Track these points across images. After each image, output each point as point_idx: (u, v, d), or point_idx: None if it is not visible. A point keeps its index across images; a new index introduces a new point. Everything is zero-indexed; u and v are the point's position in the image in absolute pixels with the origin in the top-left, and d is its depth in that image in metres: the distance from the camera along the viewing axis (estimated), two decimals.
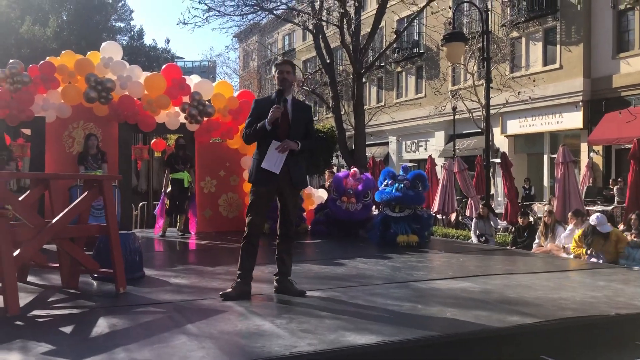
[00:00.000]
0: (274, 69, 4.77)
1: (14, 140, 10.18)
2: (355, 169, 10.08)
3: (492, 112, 14.38)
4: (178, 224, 10.12)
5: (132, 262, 5.33)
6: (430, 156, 16.93)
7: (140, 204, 12.96)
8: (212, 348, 3.14)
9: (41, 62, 9.05)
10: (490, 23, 15.11)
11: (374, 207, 10.91)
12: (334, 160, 20.59)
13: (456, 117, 22.09)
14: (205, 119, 9.84)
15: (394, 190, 8.40)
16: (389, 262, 6.64)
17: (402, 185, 8.41)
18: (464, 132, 23.46)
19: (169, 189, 9.68)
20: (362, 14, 15.38)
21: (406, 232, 8.23)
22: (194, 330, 3.51)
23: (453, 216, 14.14)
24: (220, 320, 3.77)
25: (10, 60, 8.88)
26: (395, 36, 16.30)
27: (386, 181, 8.72)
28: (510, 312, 4.04)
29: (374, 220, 8.84)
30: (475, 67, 20.23)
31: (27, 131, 9.67)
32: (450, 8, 21.00)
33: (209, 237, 9.50)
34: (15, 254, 4.04)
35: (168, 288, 5.04)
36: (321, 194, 11.08)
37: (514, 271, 6.15)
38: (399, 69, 28.77)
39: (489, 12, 14.11)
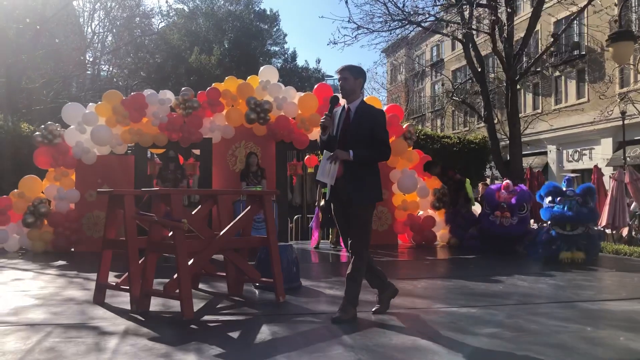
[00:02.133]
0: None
1: (186, 160, 11.24)
2: (508, 180, 9.60)
3: None
4: (330, 236, 10.41)
5: (290, 273, 5.62)
6: (596, 165, 15.56)
7: (295, 217, 13.55)
8: None
9: (208, 88, 9.93)
10: None
11: (532, 220, 10.30)
12: (487, 172, 19.82)
13: (626, 122, 20.10)
14: None
15: (565, 209, 7.81)
16: (551, 280, 6.22)
17: (574, 202, 7.82)
18: (636, 138, 21.27)
19: (322, 202, 10.02)
20: (514, 19, 14.71)
21: (571, 249, 7.65)
22: (349, 342, 3.59)
23: (625, 231, 12.84)
24: (375, 333, 3.82)
25: (183, 88, 9.87)
26: (552, 39, 15.36)
27: (550, 197, 8.14)
28: None
29: (537, 237, 8.26)
30: None
31: (197, 151, 10.63)
32: (615, 5, 19.27)
33: None
34: (189, 263, 4.46)
35: (323, 299, 5.21)
36: (475, 208, 10.72)
37: None
38: (557, 73, 26.99)
39: None
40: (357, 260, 4.31)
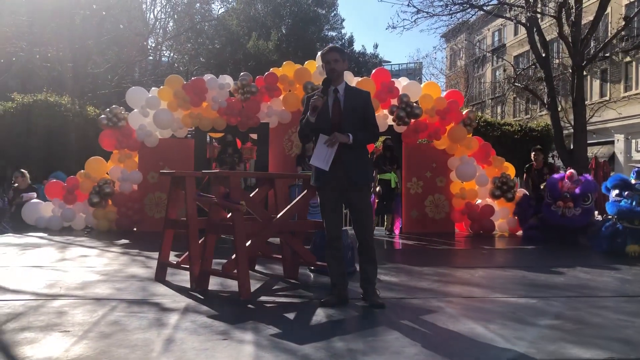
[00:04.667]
0: (320, 59, 4.30)
1: (243, 144, 11.41)
2: (572, 170, 9.25)
3: None
4: (385, 223, 10.36)
5: (345, 258, 5.59)
6: None
7: None
8: (425, 346, 3.16)
9: (266, 73, 10.01)
10: None
11: (596, 212, 9.90)
12: (550, 161, 19.20)
13: None
14: (412, 120, 9.93)
15: (634, 204, 7.47)
16: (616, 273, 5.98)
17: None
18: None
19: (378, 188, 9.96)
20: (583, 1, 14.07)
21: (639, 242, 7.31)
22: (405, 328, 3.57)
23: None
24: (432, 320, 3.78)
25: (241, 73, 10.00)
26: (624, 23, 14.62)
27: (617, 190, 7.80)
28: None
29: (601, 229, 7.94)
30: None
31: (254, 135, 10.77)
32: None
33: (415, 238, 9.56)
34: (247, 244, 4.53)
35: (378, 285, 5.13)
36: None
37: None
38: (627, 58, 25.67)
39: None
40: (371, 242, 4.28)
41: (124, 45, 25.97)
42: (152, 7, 29.45)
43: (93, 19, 21.03)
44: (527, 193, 10.14)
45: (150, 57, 31.34)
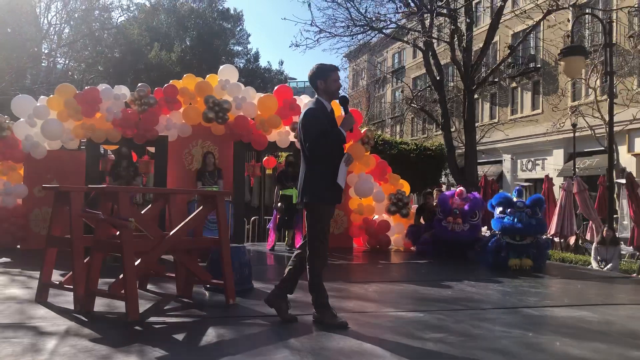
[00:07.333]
0: (333, 74, 4.30)
1: (140, 158, 11.01)
2: (461, 187, 9.78)
3: (617, 129, 13.47)
4: (287, 238, 10.38)
5: (242, 275, 5.56)
6: (547, 176, 16.05)
7: (252, 218, 13.46)
8: None
9: (165, 85, 9.75)
10: (614, 34, 14.17)
11: (484, 227, 10.50)
12: (443, 179, 20.18)
13: (577, 134, 20.80)
14: None
15: (515, 221, 8.00)
16: (498, 286, 6.36)
17: (523, 214, 8.02)
18: (586, 150, 22.03)
19: (279, 204, 9.97)
20: (474, 29, 15.02)
21: (520, 256, 7.84)
22: (296, 345, 3.58)
23: (572, 240, 13.27)
24: (323, 337, 3.81)
25: (139, 84, 9.66)
26: (509, 51, 15.74)
27: (501, 207, 8.33)
28: (634, 346, 3.70)
29: (486, 245, 8.43)
30: (598, 82, 18.96)
31: (152, 149, 10.43)
32: (569, 21, 19.93)
33: None
34: (136, 263, 4.35)
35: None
36: None
37: None
38: (513, 84, 27.70)
39: (613, 24, 13.19)
40: None
41: (13, 50, 24.28)
42: (46, 12, 27.81)
43: None
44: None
45: (43, 64, 29.55)
